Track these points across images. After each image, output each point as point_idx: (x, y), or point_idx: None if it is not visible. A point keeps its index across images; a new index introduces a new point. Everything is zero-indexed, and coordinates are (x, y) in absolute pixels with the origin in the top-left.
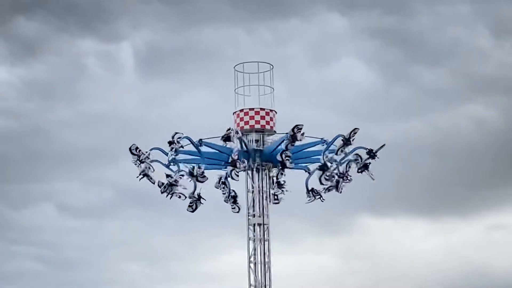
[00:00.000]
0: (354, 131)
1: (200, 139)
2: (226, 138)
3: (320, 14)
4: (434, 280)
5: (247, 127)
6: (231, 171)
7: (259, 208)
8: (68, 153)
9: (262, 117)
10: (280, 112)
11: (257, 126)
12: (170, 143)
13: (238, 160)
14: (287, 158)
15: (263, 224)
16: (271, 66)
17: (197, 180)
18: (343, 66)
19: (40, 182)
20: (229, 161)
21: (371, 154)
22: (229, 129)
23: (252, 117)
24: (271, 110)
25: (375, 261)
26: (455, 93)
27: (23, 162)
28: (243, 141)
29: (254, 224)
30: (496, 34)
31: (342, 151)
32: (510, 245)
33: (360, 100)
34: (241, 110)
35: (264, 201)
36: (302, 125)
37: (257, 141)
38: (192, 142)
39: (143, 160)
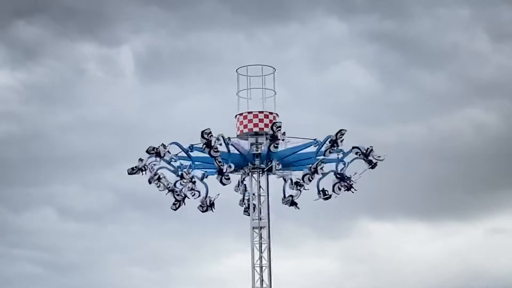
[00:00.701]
0: (341, 132)
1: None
2: (207, 144)
3: (319, 18)
4: (435, 283)
5: (247, 129)
6: (221, 178)
7: (259, 211)
8: (68, 157)
9: (261, 120)
10: (281, 116)
11: (255, 129)
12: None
13: (223, 165)
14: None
15: (260, 227)
16: (274, 69)
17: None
18: (342, 70)
19: (40, 186)
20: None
21: (368, 152)
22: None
23: (250, 121)
24: (271, 113)
25: (376, 265)
26: (455, 97)
27: (24, 165)
28: (230, 145)
29: (255, 228)
30: (496, 38)
31: (330, 152)
32: (510, 248)
33: (360, 104)
34: (240, 114)
35: (264, 204)
36: (281, 122)
37: (253, 144)
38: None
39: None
